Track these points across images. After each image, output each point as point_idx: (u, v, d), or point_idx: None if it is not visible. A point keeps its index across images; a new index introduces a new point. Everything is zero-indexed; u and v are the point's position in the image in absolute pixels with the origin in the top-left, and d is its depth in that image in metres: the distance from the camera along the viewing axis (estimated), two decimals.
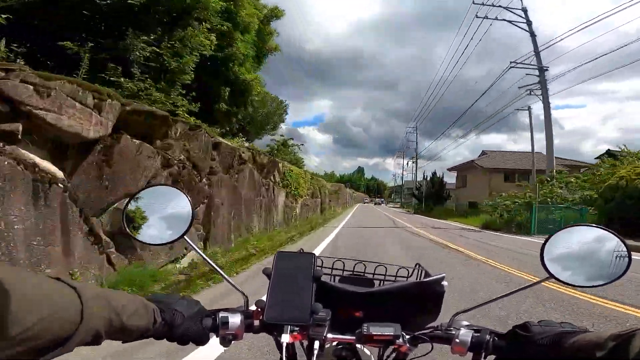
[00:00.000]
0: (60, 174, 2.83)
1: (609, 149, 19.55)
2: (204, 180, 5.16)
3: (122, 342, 0.45)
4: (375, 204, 70.88)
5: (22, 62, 3.11)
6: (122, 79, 4.80)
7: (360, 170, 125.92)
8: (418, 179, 43.57)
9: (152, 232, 0.67)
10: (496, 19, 16.94)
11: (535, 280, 0.59)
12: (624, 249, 0.54)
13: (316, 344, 0.57)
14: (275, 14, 11.33)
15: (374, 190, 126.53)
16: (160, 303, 0.53)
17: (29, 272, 0.34)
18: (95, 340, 0.39)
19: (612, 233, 0.55)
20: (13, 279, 0.31)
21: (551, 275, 0.57)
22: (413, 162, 49.74)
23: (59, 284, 0.36)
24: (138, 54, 5.24)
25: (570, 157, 26.72)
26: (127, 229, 0.66)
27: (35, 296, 0.32)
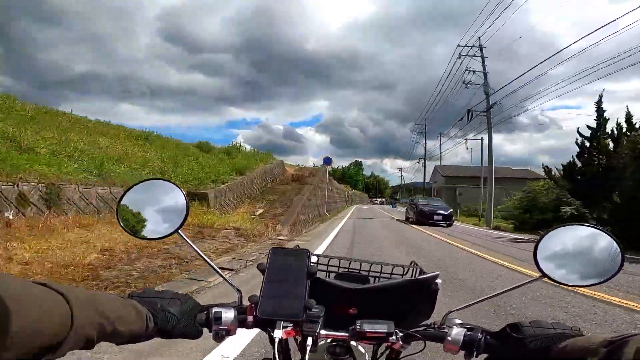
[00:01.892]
0: None
1: None
2: None
3: (116, 344, 0.47)
4: (413, 218, 17.21)
5: None
6: None
7: (357, 164, 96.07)
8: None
9: (147, 226, 0.68)
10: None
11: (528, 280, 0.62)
12: (617, 248, 0.57)
13: (309, 340, 0.59)
14: None
15: (374, 189, 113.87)
16: (153, 305, 0.54)
17: (13, 277, 0.34)
18: (87, 345, 0.40)
19: (606, 232, 0.58)
20: (1, 284, 0.31)
21: (544, 275, 0.59)
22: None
23: (45, 289, 0.36)
24: None
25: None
26: (121, 224, 0.67)
27: (22, 301, 0.32)
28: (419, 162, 49.95)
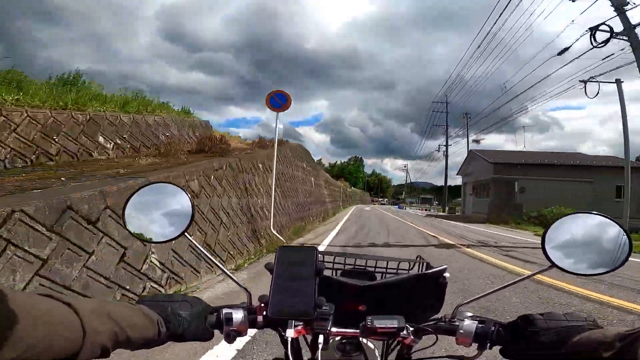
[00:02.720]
0: None
1: None
2: None
3: (130, 350, 0.50)
4: None
5: None
6: None
7: (357, 160, 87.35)
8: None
9: (152, 229, 0.71)
10: None
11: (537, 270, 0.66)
12: (625, 237, 0.59)
13: (320, 338, 0.61)
14: None
15: (376, 187, 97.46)
16: (164, 309, 0.57)
17: (17, 291, 0.36)
18: (103, 354, 0.42)
19: (613, 221, 0.60)
20: (6, 298, 0.33)
21: (553, 264, 0.61)
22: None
23: (52, 301, 0.38)
24: None
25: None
26: (127, 227, 0.71)
27: (31, 315, 0.34)
28: (442, 147, 38.43)
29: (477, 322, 0.62)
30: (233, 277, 0.71)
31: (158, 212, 0.71)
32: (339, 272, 0.91)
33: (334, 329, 0.64)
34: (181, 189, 0.73)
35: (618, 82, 15.03)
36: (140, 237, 0.71)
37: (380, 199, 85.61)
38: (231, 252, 5.61)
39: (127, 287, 3.25)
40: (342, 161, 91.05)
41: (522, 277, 0.67)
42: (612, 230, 0.60)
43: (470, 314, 0.65)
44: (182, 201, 0.71)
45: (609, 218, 0.61)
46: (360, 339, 0.71)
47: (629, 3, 11.72)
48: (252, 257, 6.18)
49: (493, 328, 0.60)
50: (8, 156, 4.88)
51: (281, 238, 7.98)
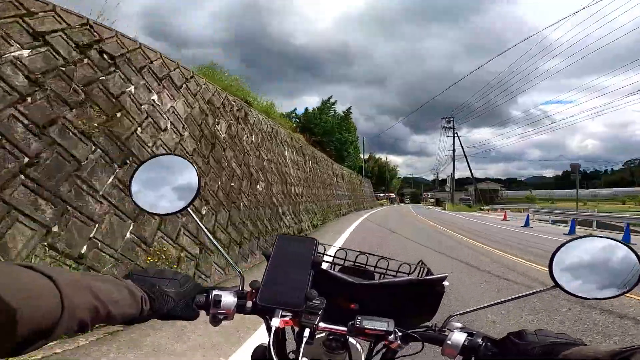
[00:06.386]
0: None
1: None
2: None
3: (110, 325, 0.48)
4: None
5: None
6: None
7: (346, 112, 42.92)
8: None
9: (157, 202, 0.72)
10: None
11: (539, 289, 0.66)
12: (635, 260, 0.59)
13: (307, 332, 0.60)
14: None
15: (375, 177, 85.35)
16: (150, 286, 0.56)
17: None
18: (81, 329, 0.42)
19: (624, 244, 0.61)
20: None
21: (556, 285, 0.62)
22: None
23: (32, 272, 0.38)
24: None
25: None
26: (132, 198, 0.72)
27: (8, 285, 0.33)
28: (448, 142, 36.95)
29: (466, 334, 0.62)
30: (229, 259, 0.71)
31: (164, 185, 0.72)
32: (338, 267, 0.91)
33: (322, 324, 0.64)
34: (189, 162, 0.73)
35: None
36: (143, 208, 0.71)
37: (383, 195, 66.39)
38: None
39: None
40: (313, 108, 37.01)
41: (521, 294, 0.67)
42: (622, 254, 0.60)
43: (460, 326, 0.65)
44: (189, 174, 0.72)
45: (618, 241, 0.61)
46: (348, 337, 0.71)
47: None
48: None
49: (481, 342, 0.60)
50: None
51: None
